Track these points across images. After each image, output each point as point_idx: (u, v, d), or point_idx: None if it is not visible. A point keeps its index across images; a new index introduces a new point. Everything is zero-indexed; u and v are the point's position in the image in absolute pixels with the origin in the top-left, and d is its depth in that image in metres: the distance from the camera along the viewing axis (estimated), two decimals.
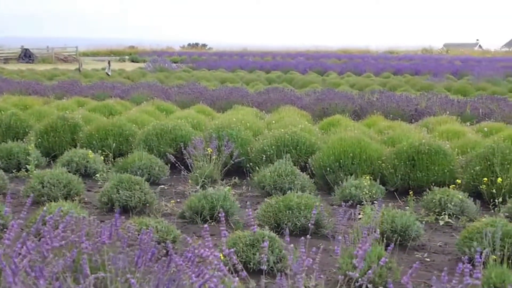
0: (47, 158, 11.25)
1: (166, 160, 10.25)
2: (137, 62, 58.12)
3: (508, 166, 8.87)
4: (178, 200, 8.92)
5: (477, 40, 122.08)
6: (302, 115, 15.04)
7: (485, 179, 8.84)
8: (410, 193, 8.84)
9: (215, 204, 7.65)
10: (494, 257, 5.62)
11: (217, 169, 9.91)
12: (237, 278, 3.81)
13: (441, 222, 7.98)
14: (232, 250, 4.04)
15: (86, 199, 8.79)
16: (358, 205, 6.92)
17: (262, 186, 9.18)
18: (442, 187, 8.63)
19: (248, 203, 5.63)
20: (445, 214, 8.07)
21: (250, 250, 5.89)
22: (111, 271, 3.94)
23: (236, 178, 10.34)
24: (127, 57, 65.88)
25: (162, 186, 9.83)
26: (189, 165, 9.87)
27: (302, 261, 3.89)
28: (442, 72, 37.93)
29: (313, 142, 10.57)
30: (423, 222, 7.60)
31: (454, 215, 8.08)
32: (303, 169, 9.89)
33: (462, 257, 5.37)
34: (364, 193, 8.61)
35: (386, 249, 5.48)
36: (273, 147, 10.29)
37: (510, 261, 5.64)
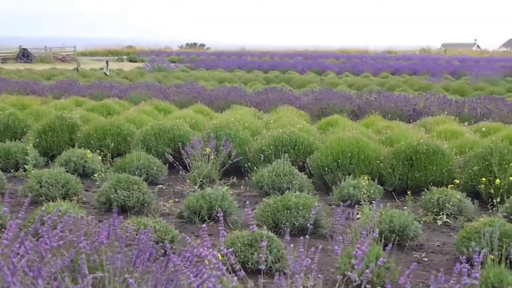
0: (45, 158, 11.24)
1: (164, 160, 10.25)
2: (135, 62, 58.14)
3: (506, 166, 8.87)
4: (176, 200, 8.92)
5: (475, 40, 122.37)
6: (300, 115, 15.04)
7: (483, 179, 8.84)
8: (408, 193, 8.84)
9: (213, 204, 7.65)
10: (492, 257, 5.62)
11: (215, 169, 9.91)
12: (235, 278, 3.81)
13: (439, 222, 7.98)
14: (230, 250, 4.04)
15: (84, 199, 8.78)
16: (356, 205, 6.92)
17: (260, 186, 9.18)
18: (440, 187, 8.63)
19: (247, 202, 5.61)
20: (443, 214, 8.08)
21: (248, 250, 5.89)
22: (109, 271, 3.94)
23: (234, 178, 10.34)
24: (125, 56, 65.87)
25: (160, 186, 9.83)
26: (187, 165, 9.86)
27: (301, 261, 3.89)
28: (440, 72, 37.95)
29: (311, 142, 10.57)
30: (421, 222, 7.60)
31: (452, 215, 8.08)
32: (301, 169, 9.89)
33: (460, 257, 5.38)
34: (362, 193, 8.61)
35: (384, 249, 5.48)
36: (271, 147, 10.29)
37: (508, 261, 5.64)
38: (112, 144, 11.24)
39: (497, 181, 8.66)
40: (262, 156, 10.20)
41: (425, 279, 5.97)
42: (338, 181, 9.19)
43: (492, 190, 8.70)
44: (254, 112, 15.67)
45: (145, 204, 8.11)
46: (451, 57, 63.28)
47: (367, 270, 3.77)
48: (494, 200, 8.52)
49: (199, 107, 16.41)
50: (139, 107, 15.55)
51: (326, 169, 9.60)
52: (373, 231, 5.21)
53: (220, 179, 10.09)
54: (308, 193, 8.05)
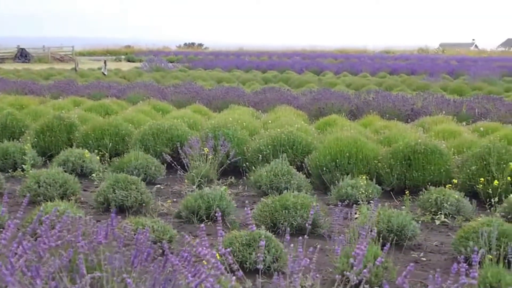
0: (43, 158, 11.23)
1: (162, 160, 10.24)
2: (133, 61, 58.12)
3: (504, 165, 8.88)
4: (175, 199, 8.92)
5: (473, 40, 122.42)
6: (298, 114, 15.04)
7: (481, 179, 8.85)
8: (406, 192, 8.84)
9: (211, 204, 7.65)
10: (490, 256, 5.63)
11: (213, 168, 9.90)
12: (234, 277, 3.81)
13: (437, 222, 7.99)
14: (228, 249, 4.04)
15: (82, 198, 8.78)
16: (354, 205, 6.94)
17: (258, 185, 9.18)
18: (438, 186, 8.63)
19: (247, 202, 5.62)
20: (441, 213, 8.08)
21: (246, 250, 5.89)
22: (107, 271, 3.94)
23: (233, 177, 10.34)
24: (123, 56, 65.85)
25: (159, 185, 9.83)
26: (185, 164, 9.86)
27: (300, 260, 3.89)
28: (438, 72, 37.98)
29: (309, 141, 10.58)
30: (419, 222, 7.60)
31: (450, 215, 8.09)
32: (299, 168, 9.89)
33: (458, 257, 5.38)
34: (360, 192, 8.61)
35: (382, 249, 5.48)
36: (270, 146, 10.29)
37: (506, 261, 5.64)
38: (110, 144, 11.23)
39: (495, 182, 8.66)
40: (260, 156, 10.20)
41: (423, 278, 5.97)
42: (336, 181, 9.19)
43: (490, 190, 8.70)
44: (252, 112, 15.67)
45: (143, 204, 8.11)
46: (449, 57, 63.34)
47: (365, 270, 3.77)
48: (492, 200, 8.52)
49: (197, 107, 16.40)
50: (137, 107, 15.54)
51: (324, 168, 9.60)
52: (371, 231, 5.21)
53: (218, 179, 10.09)
54: (306, 193, 8.05)
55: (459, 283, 3.42)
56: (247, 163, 10.30)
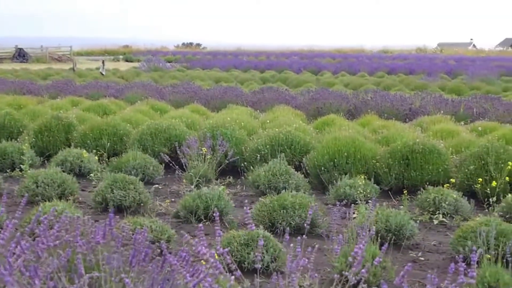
0: (41, 158, 11.23)
1: (161, 160, 10.23)
2: (131, 61, 58.10)
3: (502, 165, 8.88)
4: (173, 199, 8.91)
5: (471, 39, 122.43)
6: (296, 114, 15.04)
7: (480, 179, 8.85)
8: (404, 192, 8.84)
9: (209, 204, 7.65)
10: (489, 256, 5.63)
11: (212, 168, 9.90)
12: (233, 277, 3.81)
13: (435, 221, 7.99)
14: (226, 249, 4.04)
15: (80, 198, 8.77)
16: (352, 204, 6.92)
17: (256, 185, 9.18)
18: (436, 186, 8.64)
19: (246, 201, 5.62)
20: (439, 213, 8.08)
21: (244, 250, 5.89)
22: (106, 271, 3.94)
23: (231, 177, 10.34)
24: (121, 56, 65.84)
25: (157, 185, 9.82)
26: (183, 164, 9.86)
27: (298, 260, 3.89)
28: (436, 72, 37.98)
29: (307, 141, 10.58)
30: (417, 221, 7.61)
31: (448, 214, 8.09)
32: (298, 168, 9.90)
33: (457, 256, 5.38)
34: (358, 192, 8.62)
35: (380, 248, 5.48)
36: (268, 146, 10.29)
37: (505, 261, 5.65)
38: (108, 143, 11.23)
39: (494, 184, 8.65)
40: (259, 155, 10.20)
41: (421, 278, 5.97)
42: (334, 181, 9.20)
43: (488, 189, 8.70)
44: (250, 111, 15.66)
45: (142, 204, 8.10)
46: (447, 56, 63.32)
47: (363, 270, 3.77)
48: (490, 200, 8.53)
49: (195, 106, 16.40)
50: (135, 106, 15.54)
51: (322, 168, 9.61)
52: (369, 230, 5.21)
53: (217, 179, 10.09)
54: (304, 193, 8.05)
55: (457, 282, 3.42)
56: (245, 163, 10.30)
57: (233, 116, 12.81)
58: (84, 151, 10.46)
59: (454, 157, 9.95)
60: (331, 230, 5.65)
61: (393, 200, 9.19)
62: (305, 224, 4.87)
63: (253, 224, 4.67)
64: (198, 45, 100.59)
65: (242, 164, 10.35)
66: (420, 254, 6.81)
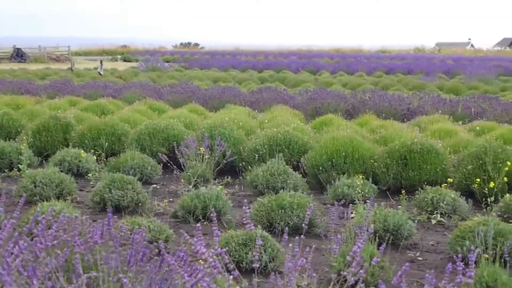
0: (39, 158, 11.22)
1: (159, 160, 10.23)
2: (130, 61, 58.10)
3: (500, 165, 8.89)
4: (171, 199, 8.91)
5: (469, 39, 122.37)
6: (294, 114, 15.04)
7: (478, 179, 8.85)
8: (402, 192, 8.85)
9: (207, 204, 7.64)
10: (486, 256, 5.63)
11: (210, 168, 9.90)
12: (231, 276, 3.81)
13: (433, 221, 7.99)
14: (224, 249, 4.04)
15: (78, 198, 8.77)
16: (350, 204, 6.92)
17: (254, 185, 9.18)
18: (434, 186, 8.64)
19: (245, 201, 5.61)
20: (437, 213, 8.09)
21: (242, 250, 5.89)
22: (104, 271, 3.94)
23: (229, 177, 10.34)
24: (119, 56, 65.83)
25: (155, 185, 9.82)
26: (181, 164, 9.86)
27: (296, 260, 3.89)
28: (434, 71, 38.00)
29: (305, 141, 10.58)
30: (416, 221, 7.61)
31: (446, 214, 8.10)
32: (296, 168, 9.90)
33: (454, 256, 5.38)
34: (356, 192, 8.62)
35: (378, 248, 5.49)
36: (266, 146, 10.29)
37: (503, 260, 5.65)
38: (106, 143, 11.23)
39: (491, 184, 8.66)
40: (257, 155, 10.20)
41: (419, 278, 5.97)
42: (332, 180, 9.20)
43: (486, 189, 8.71)
44: (249, 111, 15.66)
45: (140, 204, 8.10)
46: (445, 56, 63.37)
47: (361, 270, 3.77)
48: (488, 199, 8.54)
49: (194, 106, 16.39)
50: (133, 106, 15.52)
51: (320, 168, 9.61)
52: (367, 230, 5.21)
53: (215, 179, 10.08)
54: (302, 193, 8.06)
55: (455, 282, 3.43)
56: (243, 163, 10.30)
57: (231, 116, 12.80)
58: (82, 151, 10.46)
59: (452, 157, 9.95)
60: (329, 230, 5.65)
61: (391, 200, 9.19)
62: (303, 224, 4.87)
63: (252, 224, 4.68)
64: (196, 45, 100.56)
65: (240, 164, 10.35)
66: (418, 254, 6.81)
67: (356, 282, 3.75)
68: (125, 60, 60.57)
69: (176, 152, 9.92)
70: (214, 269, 3.73)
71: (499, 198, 8.52)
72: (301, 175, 9.40)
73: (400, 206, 8.32)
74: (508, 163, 8.80)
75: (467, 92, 25.83)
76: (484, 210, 8.55)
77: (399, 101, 18.30)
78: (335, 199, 8.53)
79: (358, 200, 8.20)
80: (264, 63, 48.37)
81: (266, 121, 13.40)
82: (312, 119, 15.43)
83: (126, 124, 12.07)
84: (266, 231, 6.44)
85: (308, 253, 4.15)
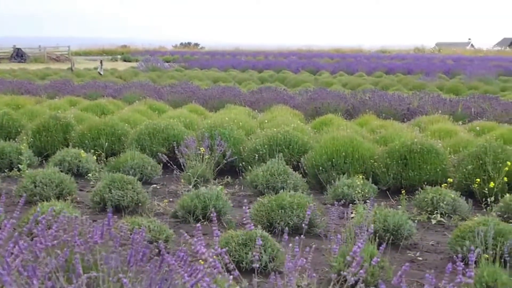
0: (39, 158, 11.21)
1: (159, 160, 10.23)
2: (130, 61, 58.10)
3: (500, 165, 8.89)
4: (171, 199, 8.91)
5: (469, 39, 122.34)
6: (294, 114, 15.04)
7: (478, 179, 8.85)
8: (402, 192, 8.85)
9: (207, 204, 7.64)
10: (486, 256, 5.63)
11: (210, 168, 9.90)
12: (231, 276, 3.81)
13: (433, 221, 7.99)
14: (224, 249, 4.04)
15: (78, 198, 8.77)
16: (350, 204, 6.92)
17: (254, 185, 9.18)
18: (434, 186, 8.64)
19: (245, 201, 5.61)
20: (437, 213, 8.09)
21: (242, 250, 5.89)
22: (104, 271, 3.94)
23: (229, 177, 10.34)
24: (119, 56, 65.82)
25: (155, 185, 9.82)
26: (181, 164, 9.86)
27: (296, 260, 3.89)
28: (434, 71, 37.99)
29: (305, 141, 10.58)
30: (416, 221, 7.61)
31: (446, 214, 8.10)
32: (296, 168, 9.90)
33: (454, 256, 5.38)
34: (356, 192, 8.62)
35: (378, 248, 5.49)
36: (266, 146, 10.28)
37: (503, 260, 5.65)
38: (106, 143, 11.23)
39: (491, 184, 8.66)
40: (257, 155, 10.20)
41: (419, 278, 5.97)
42: (332, 180, 9.20)
43: (486, 189, 8.71)
44: (249, 111, 15.66)
45: (140, 204, 8.10)
46: (445, 56, 63.37)
47: (361, 270, 3.77)
48: (488, 199, 8.54)
49: (194, 106, 16.39)
50: (133, 106, 15.52)
51: (320, 168, 9.61)
52: (367, 230, 5.21)
53: (215, 179, 10.08)
54: (302, 193, 8.06)
55: (455, 282, 3.43)
56: (243, 163, 10.30)
57: (231, 116, 12.80)
58: (82, 151, 10.46)
59: (452, 157, 9.95)
60: (329, 230, 5.65)
61: (391, 200, 9.19)
62: (303, 224, 4.86)
63: (252, 224, 4.68)
64: (196, 45, 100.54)
65: (240, 164, 10.35)
66: (418, 254, 6.81)
67: (356, 282, 3.75)
68: (125, 60, 60.56)
69: (176, 152, 9.92)
70: (214, 269, 3.73)
71: (499, 198, 8.52)
72: (301, 175, 9.40)
73: (400, 206, 8.32)
74: (508, 163, 8.80)
75: (467, 92, 25.83)
76: (484, 210, 8.55)
77: (399, 101, 18.30)
78: (335, 199, 8.53)
79: (358, 200, 8.20)
80: (264, 63, 48.37)
81: (266, 121, 13.40)
82: (312, 119, 15.42)
83: (126, 124, 12.07)
84: (266, 231, 6.44)
85: (308, 253, 4.15)
